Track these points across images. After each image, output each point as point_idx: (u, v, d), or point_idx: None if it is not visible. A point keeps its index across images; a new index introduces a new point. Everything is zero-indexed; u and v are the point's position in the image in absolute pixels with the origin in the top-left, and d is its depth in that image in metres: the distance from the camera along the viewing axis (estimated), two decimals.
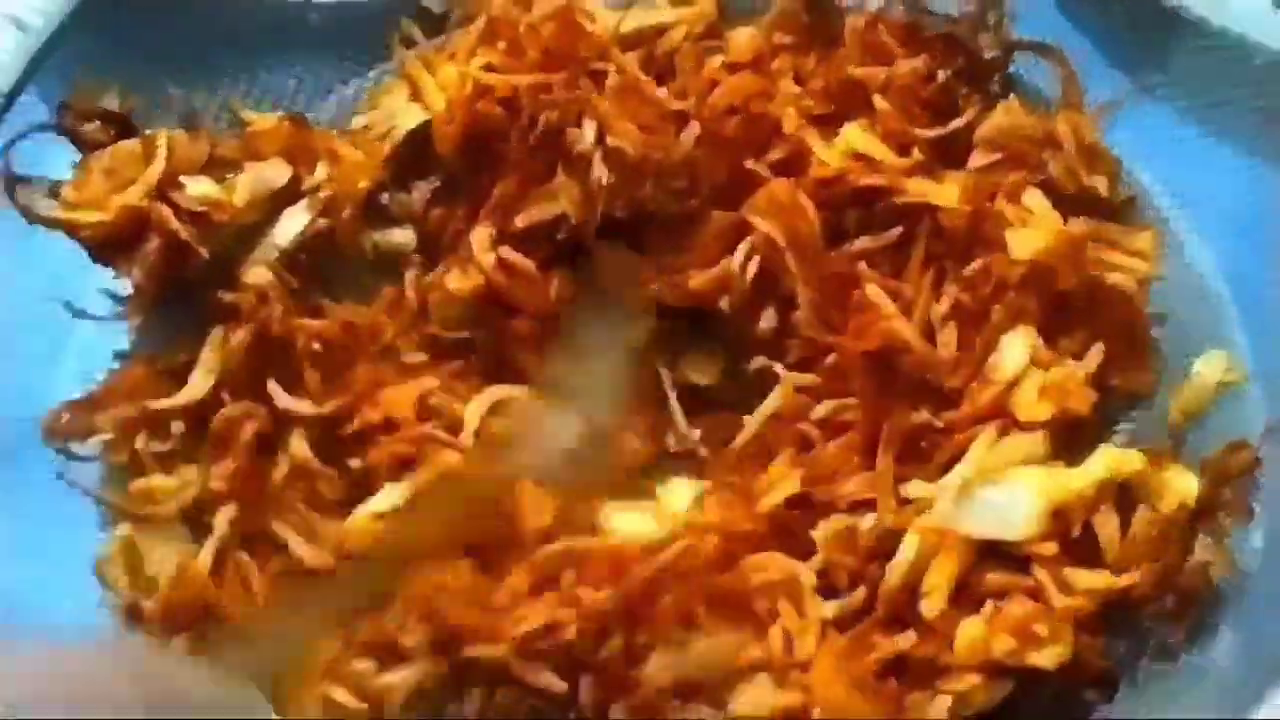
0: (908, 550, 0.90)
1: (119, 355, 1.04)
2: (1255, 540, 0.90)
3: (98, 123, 1.04)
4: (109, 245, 1.00)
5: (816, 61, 1.05)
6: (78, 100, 1.03)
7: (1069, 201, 0.99)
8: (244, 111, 1.10)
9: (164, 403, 0.99)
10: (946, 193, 0.98)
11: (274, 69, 1.12)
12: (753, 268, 0.99)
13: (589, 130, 0.99)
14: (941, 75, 1.02)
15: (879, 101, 1.01)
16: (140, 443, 0.99)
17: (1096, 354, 0.95)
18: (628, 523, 0.94)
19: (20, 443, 0.99)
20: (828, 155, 1.00)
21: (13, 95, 1.04)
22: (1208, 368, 0.96)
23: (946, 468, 0.93)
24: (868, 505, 0.93)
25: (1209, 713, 0.84)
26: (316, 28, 1.12)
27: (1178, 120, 1.03)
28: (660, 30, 1.06)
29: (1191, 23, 1.02)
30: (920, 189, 0.98)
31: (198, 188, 1.01)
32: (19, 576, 0.95)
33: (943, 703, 0.87)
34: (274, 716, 0.88)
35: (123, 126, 1.05)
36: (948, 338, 0.96)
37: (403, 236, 1.05)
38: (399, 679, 0.88)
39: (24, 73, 1.04)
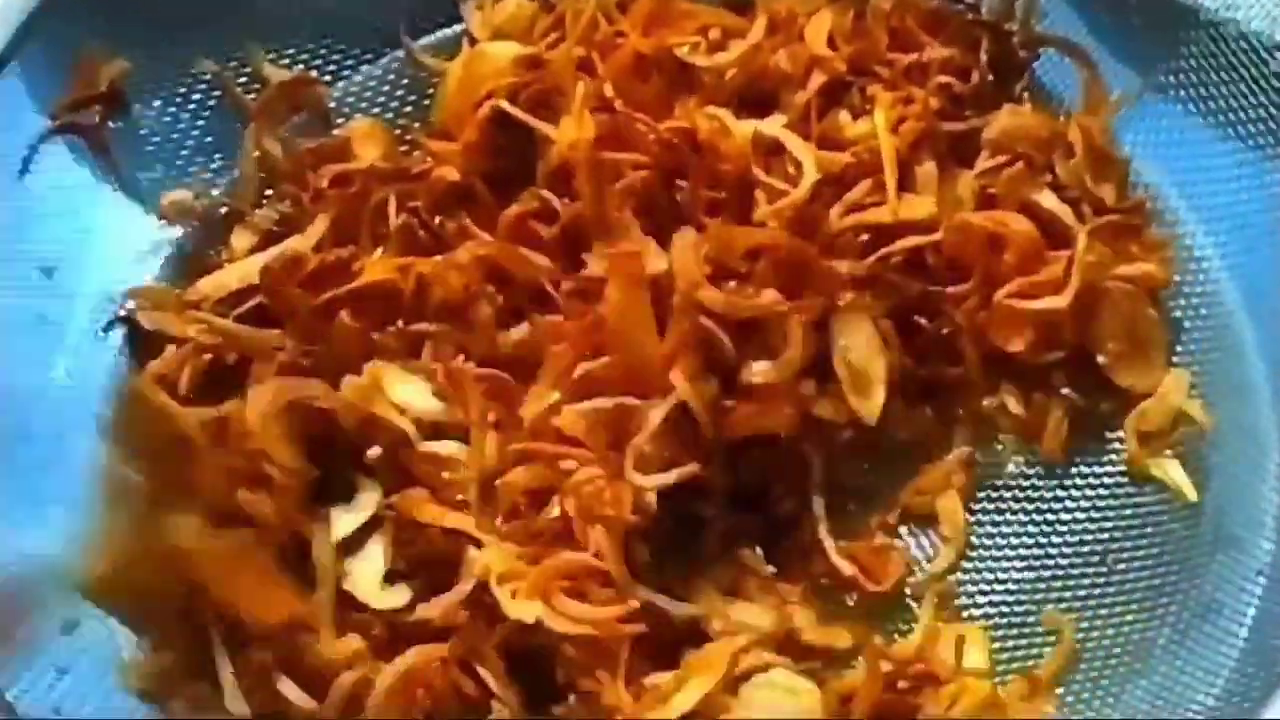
0: None
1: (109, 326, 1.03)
2: (1264, 544, 0.90)
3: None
4: None
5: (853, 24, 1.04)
6: (69, 96, 1.04)
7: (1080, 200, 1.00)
8: (265, 67, 1.09)
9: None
10: (921, 206, 0.97)
11: (279, 55, 1.11)
12: None
13: None
14: (976, 72, 1.02)
15: (915, 91, 1.00)
16: None
17: None
18: None
19: (15, 438, 0.97)
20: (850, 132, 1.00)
21: (3, 60, 1.03)
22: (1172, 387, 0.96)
23: None
24: None
25: (1211, 713, 0.84)
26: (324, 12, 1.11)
27: (1191, 121, 1.02)
28: None
29: (1206, 23, 1.02)
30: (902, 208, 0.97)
31: None
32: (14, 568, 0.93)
33: None
34: None
35: (115, 102, 1.05)
36: None
37: None
38: None
39: (15, 37, 1.03)
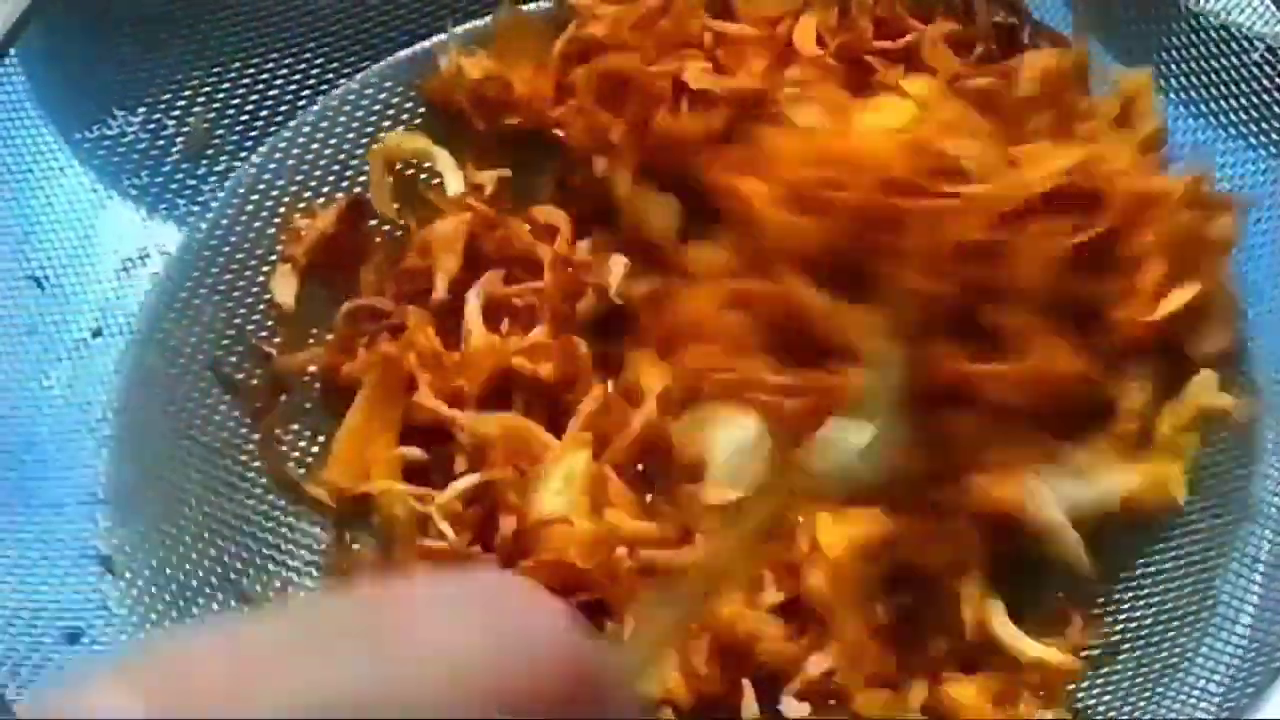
0: None
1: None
2: (1263, 541, 0.90)
3: None
4: None
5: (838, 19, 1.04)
6: None
7: None
8: None
9: None
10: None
11: (271, 55, 1.10)
12: None
13: None
14: (980, 44, 1.01)
15: (931, 56, 1.00)
16: None
17: None
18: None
19: (10, 457, 0.98)
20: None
21: None
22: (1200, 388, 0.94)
23: None
24: None
25: (1209, 712, 0.84)
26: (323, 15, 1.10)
27: (1172, 112, 1.02)
28: None
29: (1187, 14, 1.02)
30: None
31: None
32: (21, 591, 0.93)
33: None
34: None
35: None
36: None
37: None
38: None
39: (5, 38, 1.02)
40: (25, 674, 0.89)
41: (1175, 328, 0.89)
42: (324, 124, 1.08)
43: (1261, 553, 0.90)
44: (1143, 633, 0.92)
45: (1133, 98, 0.97)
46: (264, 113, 1.10)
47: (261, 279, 1.05)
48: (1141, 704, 0.88)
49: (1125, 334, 0.84)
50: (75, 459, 0.99)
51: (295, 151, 1.07)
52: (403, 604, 0.55)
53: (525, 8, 1.08)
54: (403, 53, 1.09)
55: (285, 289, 1.04)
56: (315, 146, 1.07)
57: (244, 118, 1.10)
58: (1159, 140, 0.98)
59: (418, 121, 1.08)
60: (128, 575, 0.96)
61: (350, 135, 1.08)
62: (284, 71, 1.10)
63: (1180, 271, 0.88)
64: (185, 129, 1.08)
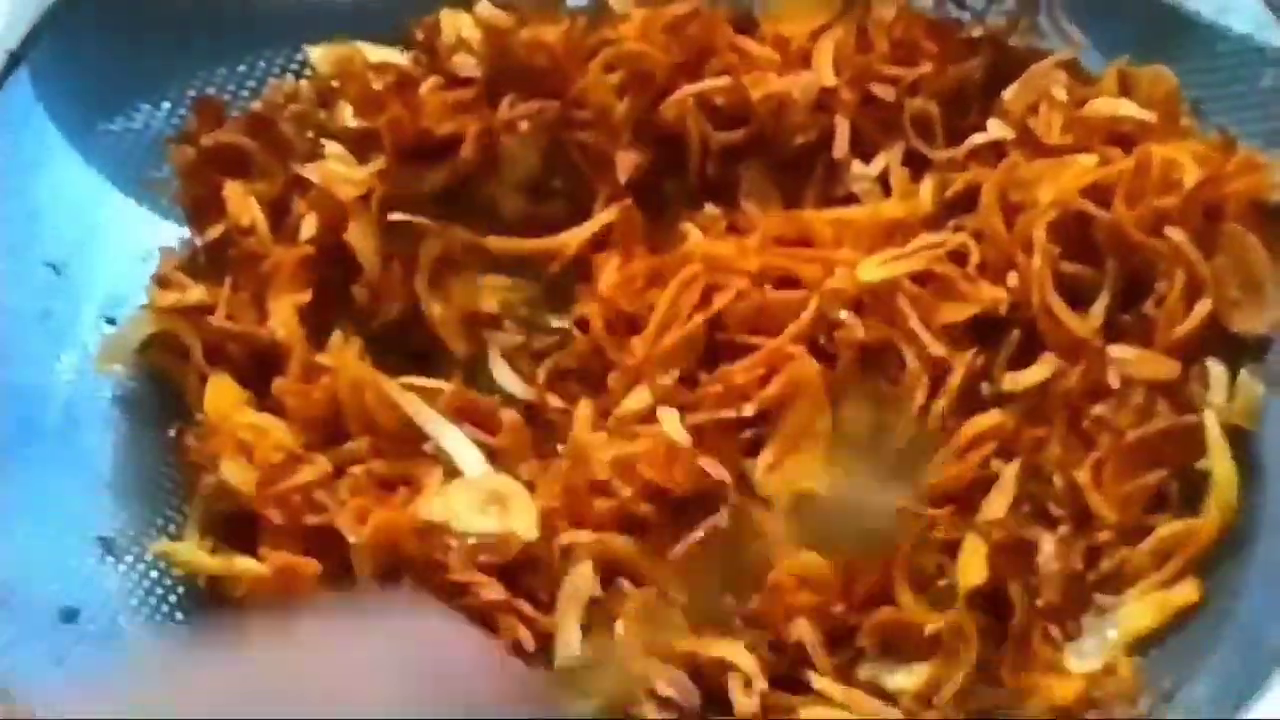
0: None
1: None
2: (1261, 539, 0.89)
3: None
4: None
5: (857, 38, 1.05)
6: None
7: None
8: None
9: None
10: None
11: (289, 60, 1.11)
12: None
13: None
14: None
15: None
16: None
17: None
18: None
19: (20, 440, 0.98)
20: None
21: (15, 60, 1.03)
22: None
23: None
24: None
25: (1207, 710, 0.83)
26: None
27: None
28: None
29: (1199, 39, 1.02)
30: None
31: None
32: (21, 570, 0.93)
33: None
34: None
35: None
36: None
37: None
38: None
39: (28, 38, 1.03)
40: (21, 650, 0.89)
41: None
42: None
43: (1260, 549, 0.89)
44: None
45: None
46: None
47: None
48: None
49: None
50: (83, 442, 1.00)
51: None
52: (315, 661, 0.54)
53: None
54: None
55: None
56: None
57: None
58: None
59: None
60: (128, 558, 0.97)
61: None
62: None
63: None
64: None
